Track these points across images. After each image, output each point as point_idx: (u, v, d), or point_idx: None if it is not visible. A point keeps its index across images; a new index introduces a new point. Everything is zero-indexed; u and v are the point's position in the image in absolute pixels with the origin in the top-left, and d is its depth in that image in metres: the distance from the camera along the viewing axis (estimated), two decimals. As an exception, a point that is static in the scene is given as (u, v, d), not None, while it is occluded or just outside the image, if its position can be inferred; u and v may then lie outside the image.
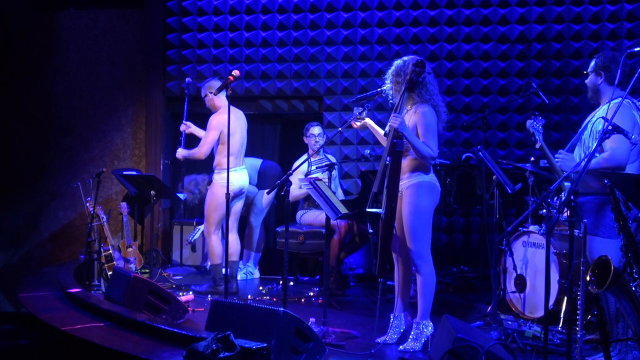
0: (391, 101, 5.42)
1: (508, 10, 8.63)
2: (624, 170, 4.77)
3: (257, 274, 8.34)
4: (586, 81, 5.13)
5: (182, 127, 7.57)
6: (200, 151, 7.26)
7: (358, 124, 5.57)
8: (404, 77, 5.26)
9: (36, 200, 9.61)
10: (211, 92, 7.31)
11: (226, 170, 6.86)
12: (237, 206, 7.56)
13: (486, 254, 6.45)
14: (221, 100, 7.33)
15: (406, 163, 5.29)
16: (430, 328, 5.35)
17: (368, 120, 5.60)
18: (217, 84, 7.35)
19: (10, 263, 9.54)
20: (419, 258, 5.29)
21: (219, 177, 7.22)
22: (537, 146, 5.26)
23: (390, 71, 5.42)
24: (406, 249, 5.34)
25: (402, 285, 5.52)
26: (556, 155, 5.00)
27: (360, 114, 5.51)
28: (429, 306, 5.36)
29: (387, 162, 5.13)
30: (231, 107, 7.03)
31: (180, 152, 7.47)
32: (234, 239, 7.49)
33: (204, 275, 8.28)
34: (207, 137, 7.23)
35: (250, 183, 7.96)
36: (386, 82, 5.44)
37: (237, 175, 7.29)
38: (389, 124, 5.17)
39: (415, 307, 5.42)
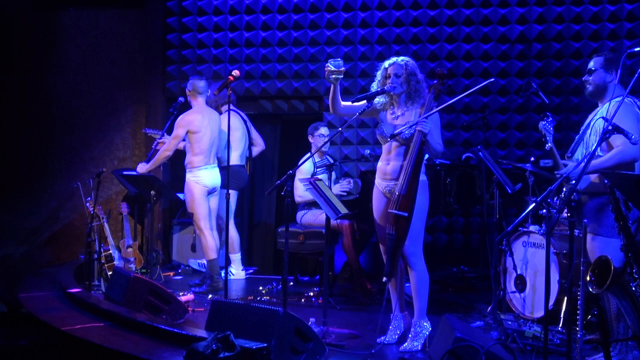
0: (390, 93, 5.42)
1: (508, 10, 8.63)
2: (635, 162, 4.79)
3: (241, 275, 8.29)
4: (590, 78, 5.07)
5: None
6: (166, 147, 7.59)
7: (336, 76, 5.28)
8: (420, 81, 5.41)
9: (36, 201, 9.60)
10: (190, 91, 7.64)
11: (198, 169, 7.48)
12: (212, 203, 7.76)
13: (486, 254, 6.45)
14: (197, 100, 7.63)
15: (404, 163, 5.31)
16: (428, 326, 5.37)
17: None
18: (200, 82, 7.63)
19: (11, 263, 9.52)
20: (413, 256, 5.33)
21: (191, 175, 7.55)
22: (547, 147, 5.27)
23: (403, 68, 5.39)
24: None
25: (399, 285, 5.53)
26: (561, 171, 5.00)
27: (338, 67, 5.35)
28: (425, 304, 5.39)
29: (412, 164, 5.18)
30: (206, 109, 7.62)
31: (141, 168, 7.78)
32: (215, 236, 7.71)
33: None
34: (172, 134, 7.55)
35: None
36: (397, 76, 5.39)
37: (208, 173, 7.58)
38: (406, 127, 5.20)
39: (413, 306, 5.44)
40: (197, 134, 7.44)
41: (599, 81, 5.02)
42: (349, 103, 5.47)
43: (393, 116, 5.43)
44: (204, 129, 7.48)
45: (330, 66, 5.24)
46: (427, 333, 5.35)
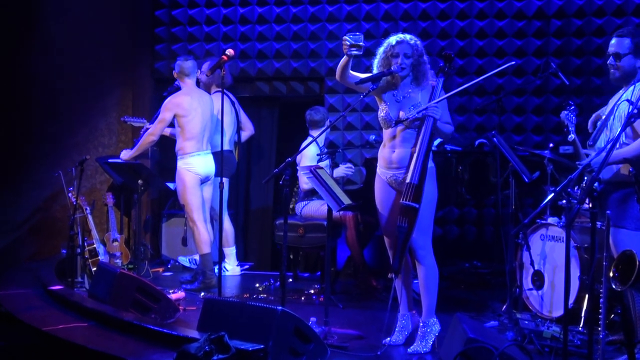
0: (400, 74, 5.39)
1: (525, -16, 8.62)
2: None
3: (236, 271, 8.31)
4: (617, 63, 5.03)
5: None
6: (150, 132, 7.64)
7: (356, 52, 5.28)
8: (426, 62, 5.41)
9: (15, 190, 9.55)
10: (177, 73, 7.67)
11: (190, 155, 7.49)
12: (206, 193, 7.79)
13: (501, 248, 6.43)
14: (185, 82, 7.65)
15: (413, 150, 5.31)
16: (437, 326, 5.39)
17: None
18: (187, 63, 7.63)
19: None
20: (423, 249, 5.33)
21: (182, 163, 7.57)
22: (570, 139, 5.26)
23: (413, 48, 5.36)
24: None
25: (406, 282, 5.54)
26: (582, 161, 4.99)
27: (357, 41, 5.26)
28: (434, 302, 5.40)
29: (424, 152, 5.21)
30: (196, 90, 7.67)
31: (124, 154, 7.84)
32: (209, 229, 7.73)
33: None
34: (159, 118, 7.59)
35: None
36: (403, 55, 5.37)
37: (201, 160, 7.59)
38: (414, 112, 5.22)
39: (420, 304, 5.44)
40: (185, 118, 7.45)
41: (628, 67, 4.97)
42: (358, 75, 5.47)
43: (396, 98, 5.41)
44: (193, 112, 7.49)
45: (348, 40, 5.22)
46: (437, 333, 5.36)
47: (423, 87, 5.39)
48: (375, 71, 5.45)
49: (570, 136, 5.26)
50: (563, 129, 5.42)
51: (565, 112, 5.36)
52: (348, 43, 5.22)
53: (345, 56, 5.31)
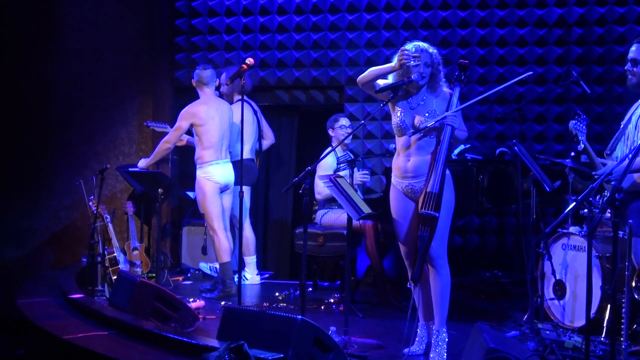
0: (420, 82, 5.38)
1: (546, -8, 8.61)
2: None
3: (256, 280, 8.34)
4: (635, 69, 5.04)
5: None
6: (166, 139, 7.63)
7: (414, 62, 5.28)
8: (441, 69, 5.38)
9: (35, 199, 9.63)
10: (196, 82, 7.69)
11: (209, 164, 7.51)
12: (226, 202, 7.80)
13: (522, 258, 6.43)
14: (203, 91, 7.67)
15: (432, 157, 5.30)
16: (446, 337, 5.38)
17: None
18: (206, 72, 7.65)
19: (7, 266, 9.58)
20: (441, 258, 5.33)
21: (201, 172, 7.58)
22: (580, 148, 5.27)
23: (432, 57, 5.36)
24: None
25: (425, 292, 5.53)
26: (599, 171, 4.99)
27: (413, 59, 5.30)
28: (447, 312, 5.40)
29: (443, 161, 5.22)
30: (214, 99, 7.67)
31: (141, 163, 7.86)
32: (229, 237, 7.76)
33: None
34: (175, 126, 7.62)
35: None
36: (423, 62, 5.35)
37: (220, 169, 7.61)
38: (432, 121, 5.23)
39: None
40: (203, 127, 7.48)
41: None
42: (379, 82, 5.45)
43: (411, 105, 5.40)
44: (210, 121, 7.50)
45: (409, 51, 5.23)
46: (447, 340, 5.37)
47: (437, 94, 5.39)
48: (391, 79, 5.41)
49: (580, 145, 5.26)
50: (573, 138, 5.42)
51: (574, 122, 5.36)
52: (410, 54, 5.22)
53: (394, 64, 5.28)
